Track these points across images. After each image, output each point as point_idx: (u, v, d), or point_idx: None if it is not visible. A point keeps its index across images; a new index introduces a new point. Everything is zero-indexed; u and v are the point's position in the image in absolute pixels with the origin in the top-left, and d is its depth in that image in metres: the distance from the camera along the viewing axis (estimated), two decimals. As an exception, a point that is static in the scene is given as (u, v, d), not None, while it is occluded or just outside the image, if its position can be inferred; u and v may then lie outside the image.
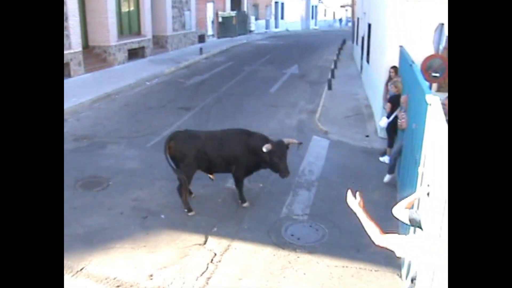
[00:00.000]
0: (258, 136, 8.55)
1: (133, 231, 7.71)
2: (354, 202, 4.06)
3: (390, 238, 3.68)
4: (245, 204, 8.67)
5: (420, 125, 6.72)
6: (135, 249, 7.19)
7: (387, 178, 9.65)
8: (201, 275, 6.62)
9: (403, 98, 9.61)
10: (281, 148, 8.22)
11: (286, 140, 8.46)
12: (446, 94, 10.48)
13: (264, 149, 7.99)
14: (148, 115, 14.49)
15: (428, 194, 4.32)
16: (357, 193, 3.96)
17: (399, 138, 9.95)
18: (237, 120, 13.25)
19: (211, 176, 8.97)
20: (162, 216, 8.25)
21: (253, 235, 7.66)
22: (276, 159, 8.19)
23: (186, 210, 8.39)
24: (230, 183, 9.30)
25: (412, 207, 4.64)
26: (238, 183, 8.72)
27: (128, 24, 24.86)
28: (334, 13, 70.69)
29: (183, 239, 7.49)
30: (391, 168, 9.69)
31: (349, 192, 4.00)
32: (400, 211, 4.45)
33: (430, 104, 5.99)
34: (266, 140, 8.33)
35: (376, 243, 3.82)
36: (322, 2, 65.74)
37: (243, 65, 24.08)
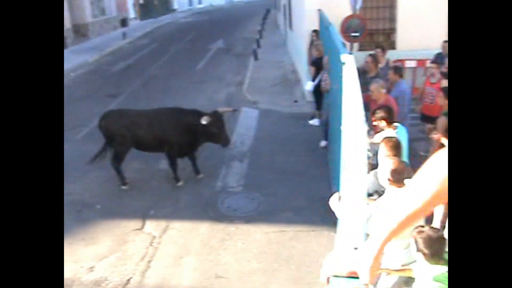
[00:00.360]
0: (190, 112, 8.49)
1: (70, 226, 7.56)
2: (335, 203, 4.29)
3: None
4: (180, 183, 8.66)
5: (338, 83, 6.88)
6: (72, 244, 7.08)
7: (323, 143, 9.74)
8: (142, 259, 6.61)
9: (325, 59, 9.76)
10: (218, 118, 8.25)
11: (220, 110, 8.50)
12: (369, 52, 10.74)
13: (204, 122, 7.99)
14: (75, 107, 14.12)
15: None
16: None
17: (326, 100, 10.13)
18: (165, 101, 13.08)
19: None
20: (98, 206, 8.14)
21: (190, 213, 7.70)
22: (215, 130, 8.22)
23: (121, 183, 8.60)
24: (162, 164, 9.25)
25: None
26: (172, 162, 8.68)
27: (44, 15, 24.01)
28: (256, -17, 70.41)
29: (121, 227, 7.44)
30: (326, 134, 9.82)
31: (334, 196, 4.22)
32: (334, 203, 4.67)
33: (344, 63, 6.14)
34: (199, 114, 8.28)
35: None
36: (243, -27, 65.27)
37: (168, 46, 23.75)
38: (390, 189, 4.51)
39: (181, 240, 6.99)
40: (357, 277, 1.37)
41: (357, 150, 2.71)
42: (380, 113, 6.10)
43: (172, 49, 22.76)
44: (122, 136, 8.42)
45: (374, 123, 6.22)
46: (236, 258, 6.53)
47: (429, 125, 8.16)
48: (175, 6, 43.09)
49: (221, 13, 40.05)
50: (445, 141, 6.41)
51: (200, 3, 49.96)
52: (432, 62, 9.20)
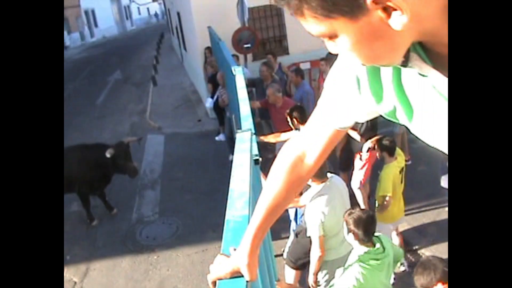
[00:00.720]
0: (95, 146, 8.28)
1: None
2: None
3: None
4: (94, 222, 8.41)
5: (234, 95, 6.99)
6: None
7: (231, 157, 9.76)
8: (65, 307, 6.39)
9: (218, 76, 9.87)
10: (123, 148, 8.07)
11: (125, 140, 8.36)
12: (262, 60, 10.96)
13: (108, 155, 7.75)
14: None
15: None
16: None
17: (227, 115, 10.24)
18: (69, 142, 12.71)
19: None
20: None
21: (109, 250, 7.52)
22: (121, 161, 8.04)
23: None
24: (75, 205, 8.98)
25: None
26: (84, 201, 8.39)
27: None
28: (148, 9, 70.08)
29: (38, 278, 7.13)
30: (231, 147, 9.87)
31: None
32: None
33: (235, 75, 6.27)
34: (104, 147, 8.07)
35: None
36: (133, 1, 64.81)
37: (64, 85, 23.11)
38: (313, 185, 4.68)
39: (104, 280, 6.81)
40: (241, 276, 1.41)
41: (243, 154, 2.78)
42: (293, 113, 6.26)
43: (70, 87, 22.12)
44: None
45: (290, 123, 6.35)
46: (162, 286, 6.45)
47: None
48: (67, 43, 42.05)
49: (115, 44, 39.51)
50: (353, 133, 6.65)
51: (92, 36, 49.05)
52: (322, 59, 9.50)
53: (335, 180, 4.85)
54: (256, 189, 2.65)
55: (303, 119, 6.21)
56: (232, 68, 6.59)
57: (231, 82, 7.53)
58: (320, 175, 4.59)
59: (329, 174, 4.77)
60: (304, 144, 1.55)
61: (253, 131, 3.48)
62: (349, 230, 3.89)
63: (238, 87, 5.59)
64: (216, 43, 9.84)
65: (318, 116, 1.49)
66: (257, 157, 3.28)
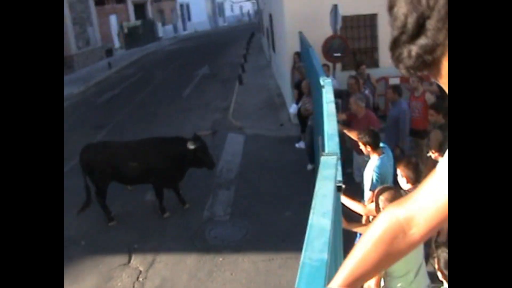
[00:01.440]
0: (174, 140, 8.44)
1: (54, 264, 7.42)
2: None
3: None
4: (166, 214, 8.52)
5: (320, 107, 6.81)
6: (56, 282, 6.92)
7: (309, 166, 9.59)
8: (128, 295, 6.46)
9: (303, 84, 9.73)
10: (201, 141, 8.24)
11: (200, 133, 8.53)
12: (351, 71, 10.73)
13: (192, 146, 7.99)
14: (60, 140, 14.02)
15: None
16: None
17: (309, 123, 10.06)
18: (151, 131, 13.02)
19: (129, 187, 8.96)
20: (83, 242, 7.99)
21: (177, 245, 7.56)
22: (201, 154, 8.21)
23: (108, 220, 8.39)
24: (149, 195, 9.14)
25: None
26: (159, 193, 8.53)
27: (28, 49, 23.98)
28: (241, 7, 70.98)
29: (106, 263, 7.28)
30: (310, 157, 9.72)
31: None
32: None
33: (323, 86, 6.09)
34: (183, 140, 8.26)
35: None
36: (227, -2, 65.86)
37: (154, 74, 23.75)
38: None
39: (168, 274, 6.84)
40: None
41: (326, 181, 2.62)
42: (364, 138, 5.99)
43: (158, 77, 22.75)
44: (101, 170, 8.25)
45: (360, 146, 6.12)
46: (224, 290, 6.40)
47: (420, 140, 8.19)
48: (160, 34, 43.24)
49: (206, 39, 40.23)
50: (439, 157, 6.34)
51: (185, 30, 50.22)
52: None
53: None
54: (337, 224, 2.49)
55: (376, 146, 5.94)
56: (321, 79, 6.41)
57: (318, 92, 7.36)
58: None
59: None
60: (413, 211, 1.31)
61: (339, 155, 3.30)
62: None
63: (325, 101, 5.41)
64: (306, 49, 9.69)
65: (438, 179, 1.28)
66: (340, 184, 3.11)
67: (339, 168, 3.29)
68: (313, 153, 9.57)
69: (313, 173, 9.26)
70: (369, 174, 5.90)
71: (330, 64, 11.29)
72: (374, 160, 5.87)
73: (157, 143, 8.48)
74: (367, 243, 1.38)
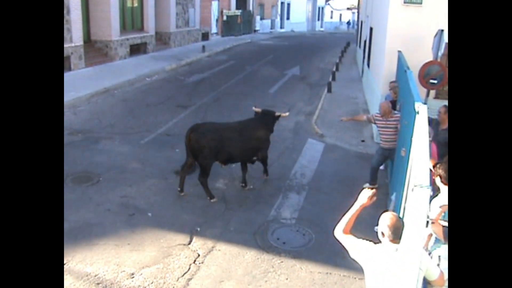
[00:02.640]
0: (266, 112, 9.60)
1: (119, 229, 7.65)
2: (364, 194, 4.52)
3: (346, 238, 4.58)
4: (266, 176, 9.68)
5: (410, 127, 6.64)
6: (119, 246, 7.13)
7: (366, 185, 9.31)
8: (182, 275, 6.55)
9: (383, 104, 9.44)
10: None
11: (277, 114, 9.67)
12: (445, 102, 10.42)
13: (286, 114, 9.75)
14: (144, 112, 14.44)
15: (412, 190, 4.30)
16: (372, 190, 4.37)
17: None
18: (233, 120, 13.17)
19: (223, 166, 9.28)
20: (149, 214, 8.18)
21: (238, 237, 7.59)
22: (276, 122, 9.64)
23: (209, 198, 8.78)
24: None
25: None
26: (265, 161, 9.60)
27: (131, 20, 24.78)
28: (340, 15, 70.57)
29: (168, 239, 7.42)
30: (372, 176, 9.52)
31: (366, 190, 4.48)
32: (339, 234, 4.67)
33: (418, 112, 5.93)
34: (271, 112, 9.59)
35: (334, 233, 4.68)
36: (329, 4, 65.59)
37: (244, 65, 24.00)
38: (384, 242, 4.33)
39: (224, 264, 6.88)
40: None
41: (419, 214, 2.54)
42: (439, 169, 5.81)
43: (248, 68, 22.97)
44: (211, 150, 8.58)
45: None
46: (277, 292, 6.37)
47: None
48: (257, 27, 43.68)
49: (301, 40, 40.24)
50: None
51: (282, 27, 50.48)
52: None
53: None
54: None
55: (447, 180, 5.73)
56: (416, 104, 6.23)
57: (408, 115, 7.17)
58: (396, 235, 4.20)
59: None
60: None
61: (431, 191, 3.20)
62: None
63: (417, 129, 5.26)
64: (403, 70, 9.46)
65: None
66: (429, 219, 3.02)
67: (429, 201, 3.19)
68: (375, 174, 9.39)
69: (382, 192, 9.08)
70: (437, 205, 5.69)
71: (424, 90, 10.99)
72: (445, 193, 5.66)
73: (258, 122, 9.37)
74: None
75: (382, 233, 4.28)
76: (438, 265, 4.71)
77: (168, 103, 15.58)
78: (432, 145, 7.56)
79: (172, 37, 28.19)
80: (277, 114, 9.46)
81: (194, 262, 6.88)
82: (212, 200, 8.72)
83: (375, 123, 9.75)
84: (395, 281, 3.90)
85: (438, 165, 5.90)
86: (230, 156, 8.87)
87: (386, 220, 4.29)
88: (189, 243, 7.36)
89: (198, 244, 7.36)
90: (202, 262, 6.89)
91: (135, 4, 24.93)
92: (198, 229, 7.76)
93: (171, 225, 7.83)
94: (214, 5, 35.27)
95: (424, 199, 2.87)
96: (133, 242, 7.27)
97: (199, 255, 7.06)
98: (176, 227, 7.78)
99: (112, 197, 8.69)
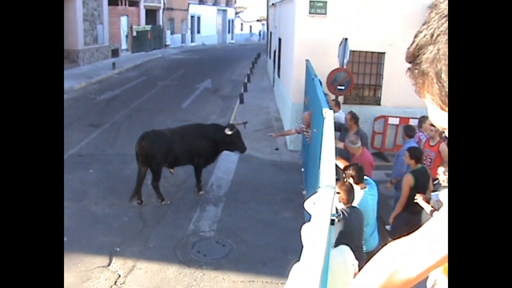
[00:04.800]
0: (212, 125, 10.10)
1: (33, 256, 7.36)
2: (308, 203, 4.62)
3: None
4: (201, 193, 9.73)
5: (319, 133, 6.88)
6: (33, 274, 6.86)
7: (304, 191, 9.59)
8: (103, 298, 6.43)
9: (305, 115, 9.85)
10: (236, 128, 9.68)
11: (234, 122, 10.06)
12: (353, 107, 10.84)
13: (229, 132, 9.41)
14: (54, 133, 13.97)
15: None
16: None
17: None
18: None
19: (172, 171, 9.64)
20: (65, 239, 7.94)
21: (158, 254, 7.54)
22: (236, 139, 9.63)
23: (160, 200, 9.25)
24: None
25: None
26: (199, 172, 9.73)
27: (35, 39, 23.96)
28: (250, 27, 71.51)
29: (86, 262, 7.24)
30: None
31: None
32: (309, 206, 4.81)
33: (325, 118, 6.17)
34: (219, 126, 9.93)
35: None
36: (238, 16, 66.32)
37: (156, 80, 23.80)
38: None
39: (146, 282, 6.81)
40: None
41: (323, 212, 2.68)
42: (349, 171, 6.14)
43: (160, 84, 22.80)
44: (160, 155, 9.03)
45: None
46: (200, 305, 6.38)
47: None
48: (168, 42, 43.45)
49: (212, 53, 40.45)
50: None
51: (192, 41, 50.48)
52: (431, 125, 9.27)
53: None
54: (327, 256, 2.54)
55: (359, 179, 6.08)
56: (323, 110, 6.48)
57: (319, 122, 7.43)
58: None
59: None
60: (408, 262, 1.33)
61: (336, 189, 3.36)
62: None
63: (325, 133, 5.48)
64: (311, 79, 9.79)
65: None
66: (334, 218, 3.16)
67: (336, 201, 3.36)
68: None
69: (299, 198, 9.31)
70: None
71: (340, 99, 11.41)
72: (357, 193, 5.97)
73: (200, 128, 9.82)
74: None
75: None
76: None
77: (79, 122, 15.18)
78: (365, 149, 7.89)
79: (80, 54, 27.48)
80: (228, 131, 9.52)
81: (115, 283, 6.76)
82: (163, 202, 9.19)
83: (303, 134, 10.10)
84: None
85: (348, 167, 6.21)
86: (176, 159, 9.36)
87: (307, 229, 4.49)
88: (109, 265, 7.22)
89: (118, 264, 7.23)
90: (123, 283, 6.78)
91: (39, 23, 24.14)
92: (117, 249, 7.63)
93: (88, 248, 7.64)
94: (123, 21, 34.76)
95: (328, 197, 3.02)
96: (48, 268, 7.03)
97: (119, 276, 6.94)
98: (94, 250, 7.60)
99: (24, 224, 8.37)
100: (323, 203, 2.87)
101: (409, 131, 8.65)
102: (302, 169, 10.91)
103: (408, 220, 6.91)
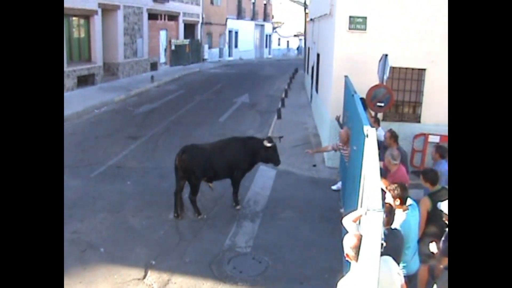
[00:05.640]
0: (249, 138, 10.21)
1: (69, 266, 7.40)
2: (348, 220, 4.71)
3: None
4: (238, 207, 9.73)
5: (359, 151, 6.74)
6: (70, 285, 6.89)
7: (342, 210, 9.43)
8: (138, 312, 6.40)
9: (343, 132, 9.73)
10: (273, 141, 9.75)
11: (271, 136, 10.34)
12: (392, 125, 10.67)
13: (269, 144, 9.52)
14: (94, 144, 14.18)
15: (365, 213, 4.35)
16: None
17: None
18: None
19: (210, 185, 9.68)
20: (102, 249, 7.98)
21: (194, 268, 7.49)
22: (272, 152, 9.67)
23: (197, 215, 9.28)
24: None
25: (359, 222, 4.80)
26: (236, 185, 9.77)
27: (78, 50, 24.44)
28: (288, 42, 71.66)
29: (122, 274, 7.25)
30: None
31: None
32: (348, 222, 4.70)
33: (367, 136, 6.03)
34: (255, 138, 10.14)
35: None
36: (276, 31, 66.56)
37: (194, 94, 23.98)
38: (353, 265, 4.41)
39: (181, 297, 6.77)
40: None
41: (373, 236, 2.58)
42: (395, 191, 5.93)
43: (197, 98, 22.95)
44: (202, 169, 9.16)
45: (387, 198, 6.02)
46: (235, 323, 6.30)
47: None
48: (206, 56, 43.83)
49: (249, 68, 40.60)
50: None
51: (230, 55, 50.83)
52: None
53: None
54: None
55: (404, 200, 5.89)
56: (365, 127, 6.34)
57: (358, 138, 7.29)
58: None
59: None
60: None
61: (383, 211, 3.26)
62: None
63: (367, 154, 5.34)
64: (351, 95, 9.65)
65: None
66: (383, 242, 3.06)
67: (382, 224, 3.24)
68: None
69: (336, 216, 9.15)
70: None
71: (372, 113, 11.23)
72: (399, 215, 5.79)
73: (239, 141, 9.84)
74: None
75: (347, 255, 4.36)
76: None
77: (118, 135, 15.36)
78: (401, 167, 7.69)
79: (120, 67, 27.94)
80: (267, 143, 9.61)
81: (149, 297, 6.73)
82: (199, 217, 9.20)
83: (340, 151, 10.02)
84: None
85: (394, 186, 6.01)
86: (215, 173, 9.41)
87: (348, 242, 4.37)
88: (144, 277, 7.21)
89: (153, 277, 7.21)
90: (158, 296, 6.75)
91: (82, 35, 24.63)
92: (153, 262, 7.62)
93: (124, 260, 7.66)
94: (162, 35, 35.23)
95: (377, 221, 2.91)
96: (85, 280, 7.06)
97: (154, 289, 6.91)
98: (130, 262, 7.61)
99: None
100: (373, 227, 2.76)
101: (442, 151, 8.35)
102: (340, 186, 10.76)
103: (428, 244, 6.69)
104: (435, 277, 6.97)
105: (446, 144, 12.20)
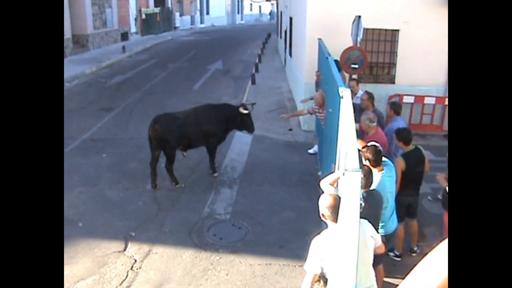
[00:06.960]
0: (223, 105, 10.07)
1: (49, 242, 7.32)
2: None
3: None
4: (215, 174, 9.66)
5: (335, 113, 6.70)
6: (50, 261, 6.82)
7: (320, 173, 9.44)
8: (121, 284, 6.38)
9: (317, 95, 9.67)
10: (248, 108, 9.60)
11: (245, 103, 10.06)
12: (367, 86, 10.67)
13: (245, 111, 9.42)
14: (67, 118, 13.90)
15: (343, 174, 4.33)
16: None
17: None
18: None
19: (184, 154, 9.60)
20: (80, 224, 7.91)
21: (174, 238, 7.48)
22: (247, 119, 9.56)
23: (174, 184, 9.21)
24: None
25: (336, 185, 4.82)
26: (213, 153, 9.67)
27: (45, 24, 23.84)
28: (260, 7, 70.96)
29: (102, 247, 7.20)
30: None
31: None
32: (326, 185, 4.70)
33: (342, 97, 5.99)
34: (230, 105, 9.95)
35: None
36: (247, -4, 65.82)
37: (166, 63, 23.65)
38: (330, 224, 4.43)
39: (162, 267, 6.76)
40: None
41: (352, 196, 2.56)
42: (366, 153, 5.92)
43: (171, 66, 22.66)
44: (176, 138, 9.03)
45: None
46: (218, 289, 6.32)
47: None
48: (177, 24, 43.19)
49: (222, 34, 40.16)
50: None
51: (202, 22, 50.19)
52: None
53: None
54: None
55: (376, 163, 5.88)
56: (340, 89, 6.29)
57: (333, 100, 7.25)
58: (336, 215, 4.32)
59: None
60: None
61: (361, 172, 3.24)
62: None
63: (343, 115, 5.30)
64: (325, 58, 9.58)
65: None
66: (361, 202, 3.05)
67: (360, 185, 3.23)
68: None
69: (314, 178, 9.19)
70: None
71: (346, 75, 11.20)
72: (374, 175, 5.80)
73: (212, 108, 9.68)
74: None
75: (323, 215, 4.36)
76: None
77: (91, 107, 15.12)
78: (379, 129, 7.63)
79: (90, 39, 27.35)
80: (243, 109, 9.50)
81: (131, 269, 6.71)
82: (177, 186, 9.16)
83: (316, 115, 9.95)
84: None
85: (365, 149, 6.01)
86: (190, 141, 9.32)
87: (324, 202, 4.38)
88: (125, 250, 7.18)
89: (134, 249, 7.18)
90: (139, 268, 6.74)
91: (47, 7, 24.00)
92: (133, 234, 7.58)
93: (104, 233, 7.60)
94: (132, 4, 34.53)
95: (355, 181, 2.90)
96: (65, 255, 6.98)
97: (136, 261, 6.89)
98: (110, 235, 7.56)
99: (39, 210, 8.34)
100: (351, 188, 2.75)
101: (396, 108, 8.34)
102: (316, 149, 10.78)
103: (404, 203, 6.76)
104: (410, 234, 7.10)
105: (419, 104, 12.31)
